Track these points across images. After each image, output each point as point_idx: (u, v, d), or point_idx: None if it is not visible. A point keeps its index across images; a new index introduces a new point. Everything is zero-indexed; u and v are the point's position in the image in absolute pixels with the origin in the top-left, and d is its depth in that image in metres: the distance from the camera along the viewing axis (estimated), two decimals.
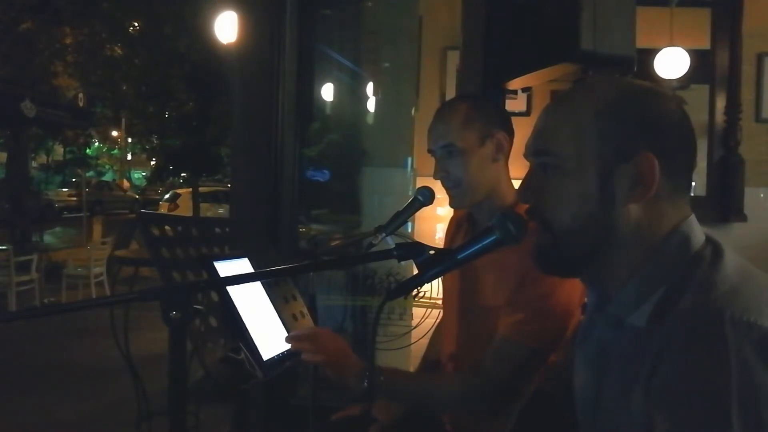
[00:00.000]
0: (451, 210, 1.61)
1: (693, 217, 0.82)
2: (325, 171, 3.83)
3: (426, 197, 1.53)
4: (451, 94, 3.90)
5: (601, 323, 0.88)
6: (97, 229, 11.27)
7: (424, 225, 3.66)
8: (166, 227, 1.30)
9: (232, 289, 1.22)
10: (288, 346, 1.29)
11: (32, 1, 10.28)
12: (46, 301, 7.07)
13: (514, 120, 1.46)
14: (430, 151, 1.45)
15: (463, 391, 1.33)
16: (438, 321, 1.89)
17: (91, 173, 28.29)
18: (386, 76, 3.75)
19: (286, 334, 1.32)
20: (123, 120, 18.06)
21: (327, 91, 3.78)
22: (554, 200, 0.84)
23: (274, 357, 1.25)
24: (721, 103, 3.47)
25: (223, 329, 1.24)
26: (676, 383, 0.70)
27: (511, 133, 1.43)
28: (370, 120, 3.95)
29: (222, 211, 14.39)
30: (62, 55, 12.41)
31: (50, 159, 28.22)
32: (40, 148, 24.77)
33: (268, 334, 1.28)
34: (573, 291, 1.28)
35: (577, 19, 1.58)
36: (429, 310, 2.99)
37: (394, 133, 3.75)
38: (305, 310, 1.46)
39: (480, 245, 0.90)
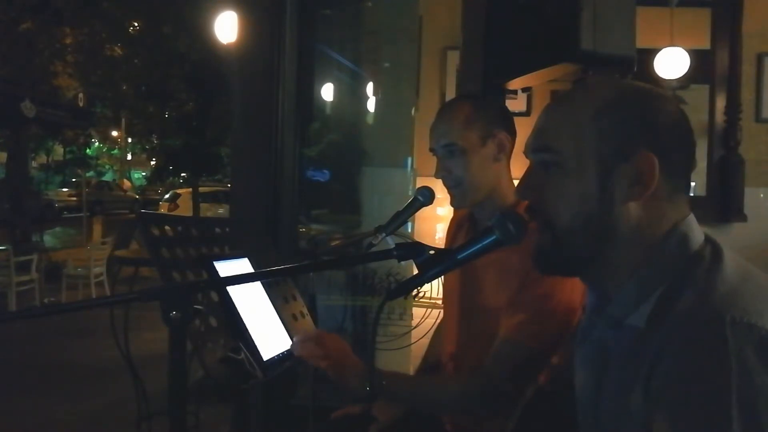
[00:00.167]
0: (452, 210, 1.61)
1: (692, 217, 0.83)
2: (325, 171, 3.83)
3: (426, 197, 1.53)
4: (451, 94, 3.90)
5: (601, 324, 0.88)
6: (97, 229, 11.27)
7: (424, 225, 3.66)
8: (166, 227, 1.30)
9: (232, 289, 1.22)
10: (288, 346, 1.29)
11: (32, 1, 10.28)
12: (46, 301, 7.07)
13: (514, 120, 1.46)
14: (431, 150, 1.45)
15: (465, 393, 1.33)
16: (438, 321, 1.89)
17: (91, 173, 28.30)
18: (386, 76, 3.75)
19: (286, 334, 1.32)
20: (123, 120, 18.06)
21: (327, 91, 3.78)
22: (554, 199, 0.84)
23: (274, 357, 1.25)
24: (721, 103, 3.46)
25: (223, 329, 1.24)
26: (676, 384, 0.70)
27: (512, 132, 1.43)
28: (370, 120, 3.95)
29: (222, 211, 14.39)
30: (62, 55, 12.42)
31: (50, 159, 28.23)
32: (40, 148, 24.79)
33: (268, 334, 1.28)
34: (574, 291, 1.28)
35: (577, 19, 1.58)
36: (429, 310, 2.99)
37: (394, 133, 3.74)
38: (305, 310, 1.46)
39: (480, 245, 0.90)
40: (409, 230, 3.20)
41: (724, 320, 0.69)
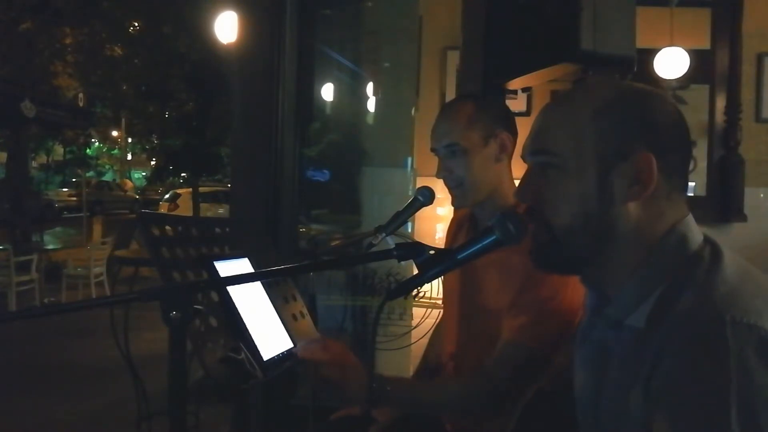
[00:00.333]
0: (452, 210, 1.60)
1: (690, 217, 0.83)
2: (325, 171, 3.83)
3: (426, 197, 1.53)
4: (451, 94, 3.90)
5: (601, 324, 0.88)
6: (97, 229, 11.27)
7: (424, 225, 3.66)
8: (167, 227, 1.30)
9: (232, 289, 1.22)
10: (288, 346, 1.29)
11: (32, 1, 10.28)
12: (46, 301, 7.07)
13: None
14: (433, 150, 1.45)
15: (469, 396, 1.33)
16: (438, 321, 1.89)
17: (91, 173, 28.31)
18: (386, 76, 3.76)
19: (286, 334, 1.32)
20: (123, 120, 18.06)
21: (327, 91, 3.78)
22: (554, 200, 0.84)
23: (274, 357, 1.25)
24: (721, 103, 3.47)
25: (223, 329, 1.24)
26: (676, 384, 0.70)
27: (514, 133, 1.43)
28: (370, 120, 3.96)
29: (222, 211, 14.39)
30: (62, 55, 12.43)
31: (50, 159, 28.25)
32: (40, 148, 24.81)
33: (268, 334, 1.28)
34: (576, 292, 1.27)
35: (577, 19, 1.58)
36: (429, 310, 2.99)
37: (394, 133, 3.75)
38: (305, 310, 1.45)
39: (480, 245, 0.90)
40: (409, 230, 3.20)
41: (724, 320, 0.69)
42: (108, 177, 31.54)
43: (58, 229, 16.52)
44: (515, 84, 2.08)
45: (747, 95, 3.55)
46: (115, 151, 33.67)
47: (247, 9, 2.69)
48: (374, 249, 1.46)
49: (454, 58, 3.87)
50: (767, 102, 3.66)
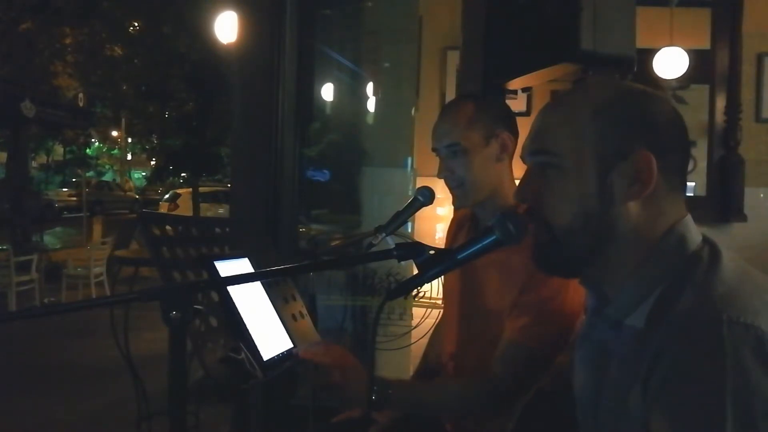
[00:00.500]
0: (452, 210, 1.60)
1: (689, 218, 0.83)
2: (325, 171, 3.83)
3: (426, 197, 1.53)
4: (451, 94, 3.90)
5: (601, 324, 0.88)
6: (97, 229, 11.26)
7: (424, 225, 3.66)
8: (167, 227, 1.30)
9: (232, 289, 1.22)
10: (288, 346, 1.29)
11: (32, 1, 10.28)
12: (46, 301, 7.07)
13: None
14: (434, 150, 1.45)
15: (472, 397, 1.33)
16: (438, 321, 1.89)
17: (91, 173, 28.31)
18: (386, 76, 3.76)
19: (286, 334, 1.32)
20: (123, 120, 18.08)
21: (327, 91, 3.78)
22: (554, 200, 0.84)
23: (274, 357, 1.25)
24: (721, 103, 3.46)
25: (223, 329, 1.24)
26: (674, 383, 0.71)
27: (515, 133, 1.43)
28: (370, 120, 3.96)
29: (222, 211, 14.39)
30: (62, 55, 12.43)
31: (50, 159, 28.24)
32: (40, 148, 24.81)
33: (268, 334, 1.28)
34: (577, 293, 1.27)
35: (577, 19, 1.58)
36: (429, 310, 2.99)
37: (394, 133, 3.75)
38: (305, 310, 1.45)
39: (480, 245, 0.90)
40: (409, 230, 3.21)
41: (721, 320, 0.69)
42: (108, 177, 31.54)
43: (58, 229, 16.53)
44: (515, 84, 2.08)
45: (747, 95, 3.55)
46: (115, 151, 33.67)
47: (247, 9, 2.69)
48: (374, 249, 1.46)
49: (454, 58, 3.87)
50: (767, 102, 3.65)
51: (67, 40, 12.43)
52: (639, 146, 0.79)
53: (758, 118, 3.65)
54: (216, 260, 1.23)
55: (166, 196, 17.07)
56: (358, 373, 1.25)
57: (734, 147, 3.43)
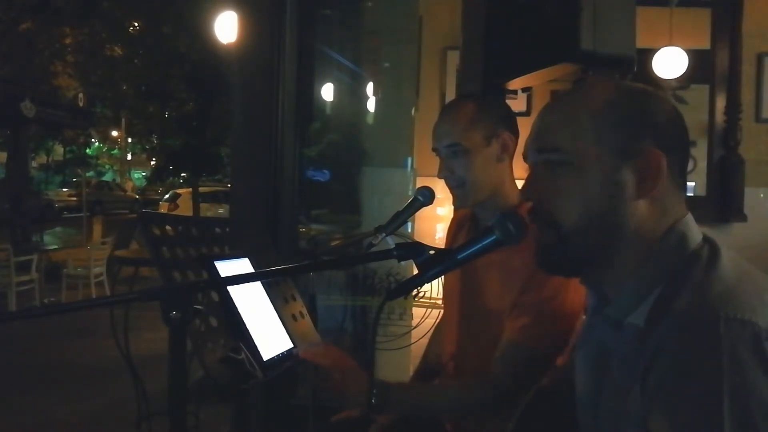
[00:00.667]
0: (452, 210, 1.60)
1: (690, 217, 0.83)
2: (325, 171, 3.83)
3: (426, 197, 1.53)
4: (451, 94, 3.90)
5: (601, 325, 0.88)
6: (97, 229, 11.27)
7: (424, 225, 3.66)
8: (167, 227, 1.30)
9: (232, 289, 1.22)
10: (288, 346, 1.29)
11: (32, 1, 10.28)
12: (46, 301, 7.07)
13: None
14: (434, 150, 1.45)
15: (471, 397, 1.33)
16: (438, 321, 1.89)
17: (91, 173, 28.31)
18: (386, 76, 3.75)
19: (286, 334, 1.32)
20: (123, 120, 18.08)
21: (327, 91, 3.78)
22: (561, 198, 0.83)
23: (274, 357, 1.25)
24: (721, 103, 3.46)
25: (223, 329, 1.24)
26: (672, 381, 0.71)
27: (516, 133, 1.43)
28: (370, 120, 3.95)
29: (222, 211, 14.38)
30: (62, 55, 12.43)
31: (50, 159, 28.24)
32: (40, 148, 24.81)
33: (268, 334, 1.28)
34: (577, 293, 1.27)
35: (577, 19, 1.58)
36: (429, 310, 2.99)
37: (394, 133, 3.74)
38: (305, 310, 1.45)
39: (480, 245, 0.90)
40: (409, 230, 3.21)
41: (718, 317, 0.69)
42: (108, 177, 31.54)
43: (58, 229, 16.52)
44: (515, 84, 2.08)
45: (747, 95, 3.55)
46: (115, 151, 33.67)
47: (247, 9, 2.69)
48: (374, 249, 1.46)
49: (454, 58, 3.87)
50: (767, 102, 3.65)
51: (67, 40, 12.43)
52: (647, 144, 0.80)
53: (758, 118, 3.65)
54: (216, 260, 1.23)
55: (166, 196, 17.07)
56: (357, 375, 1.25)
57: (734, 147, 3.44)
